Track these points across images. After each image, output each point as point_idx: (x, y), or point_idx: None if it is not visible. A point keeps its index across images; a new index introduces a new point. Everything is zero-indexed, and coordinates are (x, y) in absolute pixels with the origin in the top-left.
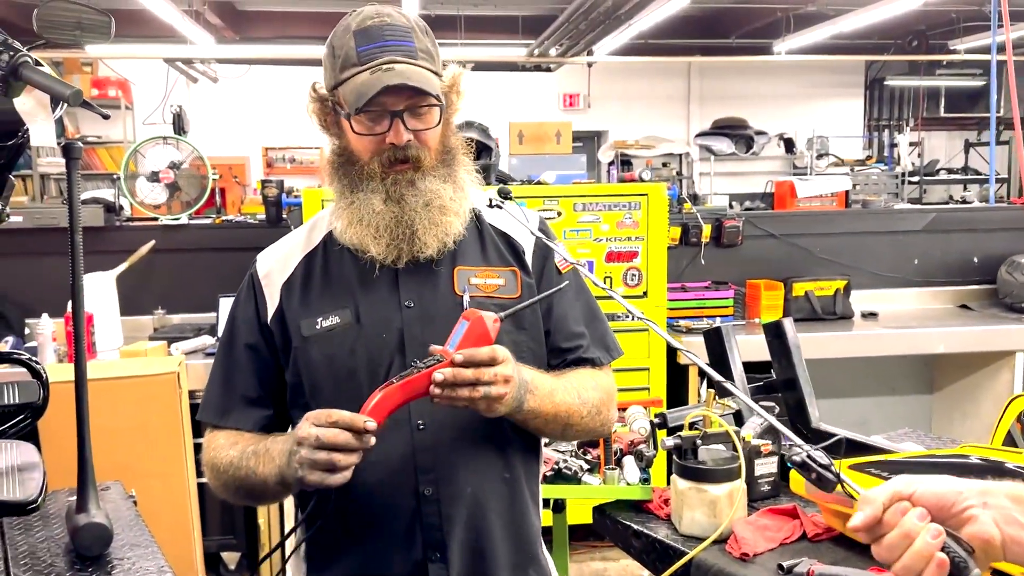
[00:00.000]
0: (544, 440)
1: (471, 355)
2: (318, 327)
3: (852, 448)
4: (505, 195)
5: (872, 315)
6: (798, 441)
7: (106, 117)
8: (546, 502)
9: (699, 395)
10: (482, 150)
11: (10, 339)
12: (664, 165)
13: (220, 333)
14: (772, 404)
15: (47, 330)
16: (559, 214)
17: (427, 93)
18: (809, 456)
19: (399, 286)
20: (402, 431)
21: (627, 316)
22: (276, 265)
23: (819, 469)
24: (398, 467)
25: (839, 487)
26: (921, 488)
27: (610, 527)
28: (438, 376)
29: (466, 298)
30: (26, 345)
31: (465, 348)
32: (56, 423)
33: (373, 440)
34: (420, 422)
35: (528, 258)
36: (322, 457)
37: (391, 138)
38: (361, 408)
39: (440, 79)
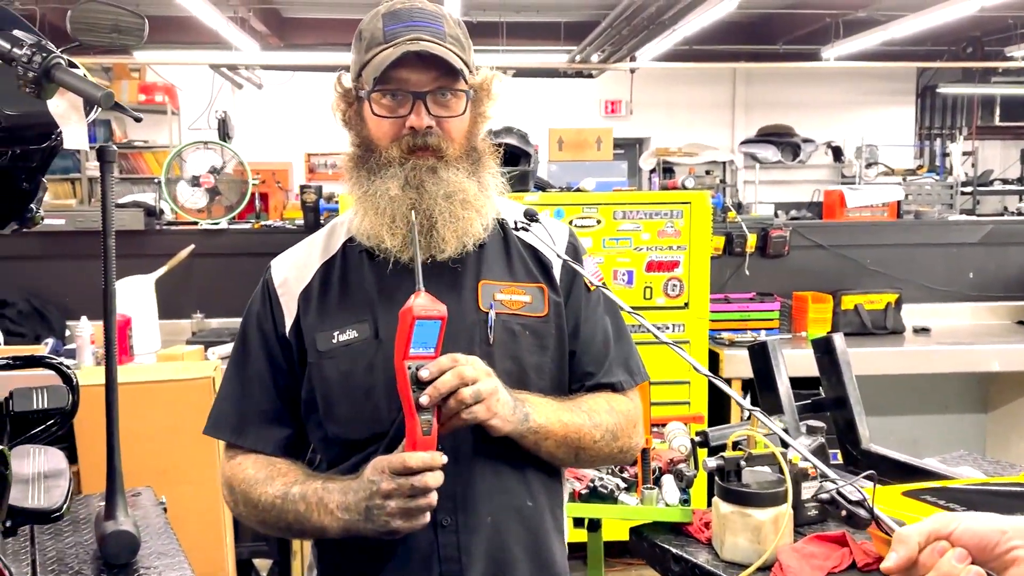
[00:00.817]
0: None
1: (438, 386)
2: (334, 341)
3: (904, 472)
4: (531, 217)
5: (924, 330)
6: (831, 473)
7: (138, 120)
8: (580, 521)
9: (743, 412)
10: (520, 156)
11: (50, 341)
12: (707, 173)
13: None
14: (820, 423)
15: (86, 333)
16: (598, 222)
17: (453, 68)
18: (839, 492)
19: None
20: None
21: (668, 327)
22: (293, 273)
23: (849, 507)
24: None
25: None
26: (961, 526)
27: (647, 549)
28: (423, 373)
29: (491, 315)
30: (66, 347)
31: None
32: (92, 426)
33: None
34: (439, 447)
35: (556, 273)
36: (421, 503)
37: (412, 121)
38: (409, 443)
39: (469, 71)
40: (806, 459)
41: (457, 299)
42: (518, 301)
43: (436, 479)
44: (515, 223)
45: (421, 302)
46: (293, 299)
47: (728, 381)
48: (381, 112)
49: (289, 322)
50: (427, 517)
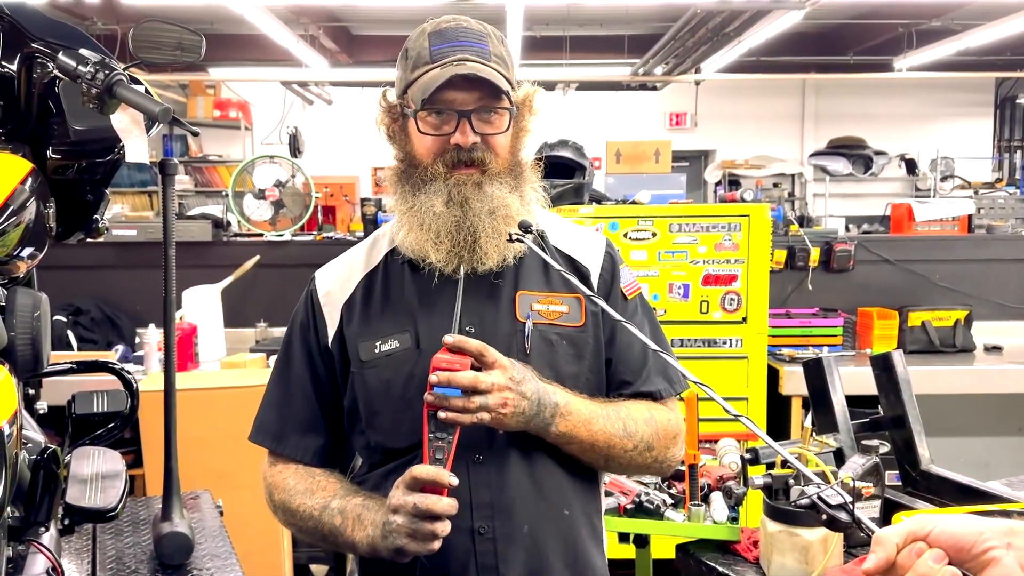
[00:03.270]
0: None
1: (461, 343)
2: (376, 351)
3: (966, 494)
4: (526, 229)
5: (996, 348)
6: (813, 477)
7: (195, 134)
8: (626, 536)
9: (802, 428)
10: (576, 169)
11: (120, 347)
12: (775, 185)
13: None
14: (876, 442)
15: (153, 340)
16: (653, 235)
17: (498, 89)
18: (819, 497)
19: (460, 310)
20: (459, 464)
21: (725, 342)
22: (336, 284)
23: (829, 511)
24: None
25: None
26: (938, 528)
27: (693, 567)
28: (432, 378)
29: (528, 325)
30: (135, 354)
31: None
32: (157, 430)
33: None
34: (479, 455)
35: (594, 282)
36: (426, 529)
37: (457, 138)
38: (424, 458)
39: (513, 89)
40: (881, 473)
41: (495, 309)
42: (555, 311)
43: (443, 506)
44: (510, 235)
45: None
46: (336, 310)
47: (788, 398)
48: (427, 129)
49: (332, 333)
50: (437, 543)
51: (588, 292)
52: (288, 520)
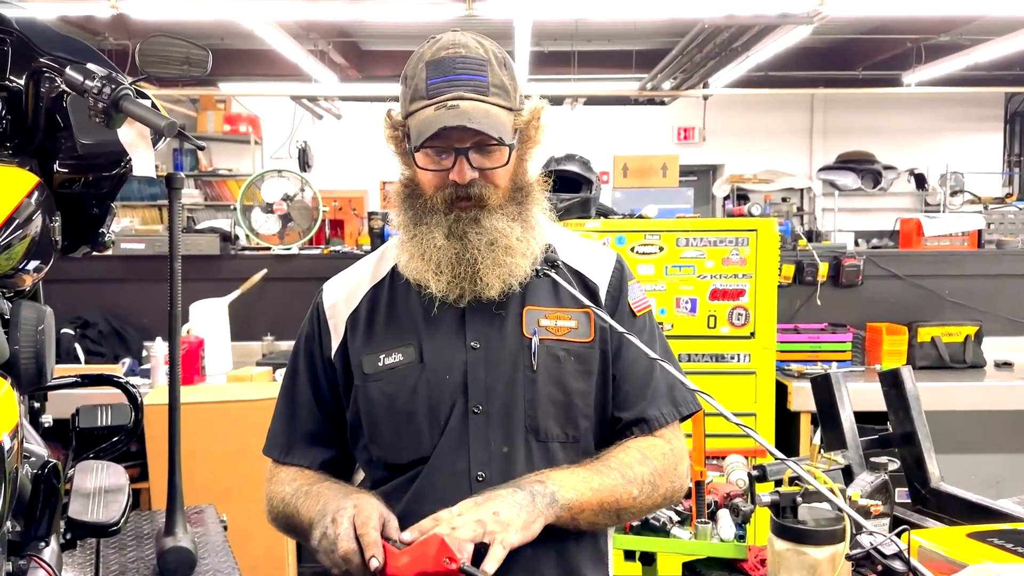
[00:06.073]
0: None
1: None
2: (380, 364)
3: (976, 512)
4: (552, 263)
5: (1007, 364)
6: (869, 526)
7: (201, 148)
8: (632, 554)
9: (811, 445)
10: (582, 183)
11: (127, 360)
12: (784, 200)
13: None
14: (885, 459)
15: (160, 353)
16: (660, 249)
17: (488, 136)
18: (874, 548)
19: (465, 325)
20: (461, 482)
21: (733, 358)
22: (342, 296)
23: (884, 561)
24: None
25: None
26: None
27: None
28: (405, 536)
29: (535, 341)
30: (141, 367)
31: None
32: (163, 444)
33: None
34: (480, 473)
35: (601, 297)
36: (338, 562)
37: (454, 176)
38: (388, 560)
39: (518, 113)
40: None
41: (501, 326)
42: (563, 327)
43: (356, 568)
44: (537, 271)
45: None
46: (341, 323)
47: (797, 414)
48: (426, 164)
49: (335, 345)
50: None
51: (594, 306)
52: (269, 512)
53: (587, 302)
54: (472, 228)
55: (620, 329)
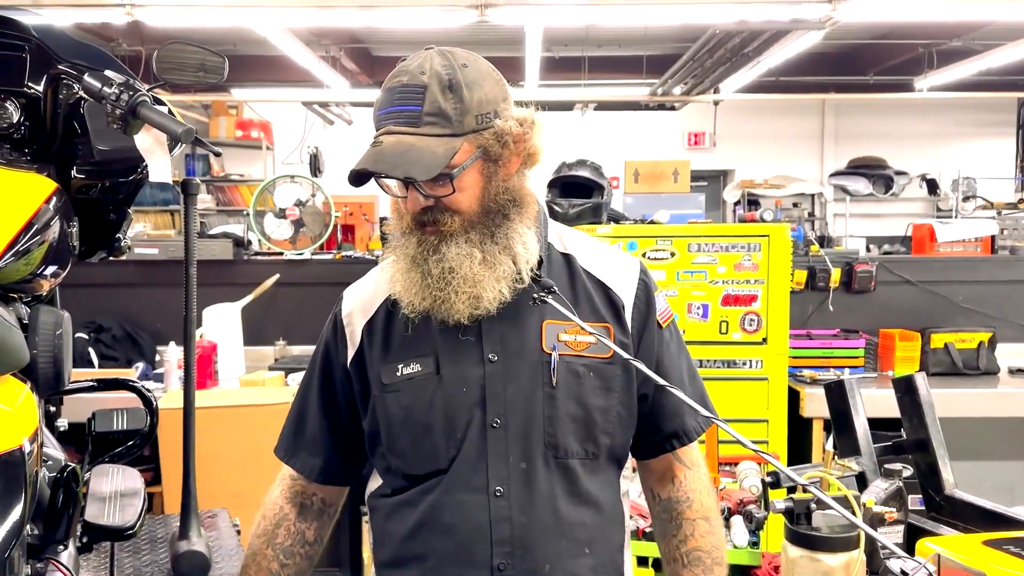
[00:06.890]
0: (638, 493)
1: None
2: (398, 374)
3: (991, 520)
4: (547, 288)
5: (1020, 371)
6: (899, 551)
7: (217, 155)
8: (645, 560)
9: (824, 451)
10: (594, 189)
11: (140, 365)
12: (795, 205)
13: None
14: (899, 466)
15: (173, 357)
16: (672, 255)
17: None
18: (902, 571)
19: (483, 337)
20: (478, 496)
21: (745, 363)
22: (359, 304)
23: None
24: (472, 535)
25: None
26: None
27: None
28: None
29: (555, 356)
30: (155, 372)
31: None
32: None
33: None
34: (499, 488)
35: (627, 313)
36: None
37: (408, 205)
38: None
39: (475, 135)
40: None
41: (520, 339)
42: (583, 342)
43: None
44: (534, 299)
45: None
46: (357, 330)
47: (809, 420)
48: (388, 191)
49: (351, 354)
50: None
51: (621, 351)
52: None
53: (594, 328)
54: (431, 256)
55: (624, 356)
